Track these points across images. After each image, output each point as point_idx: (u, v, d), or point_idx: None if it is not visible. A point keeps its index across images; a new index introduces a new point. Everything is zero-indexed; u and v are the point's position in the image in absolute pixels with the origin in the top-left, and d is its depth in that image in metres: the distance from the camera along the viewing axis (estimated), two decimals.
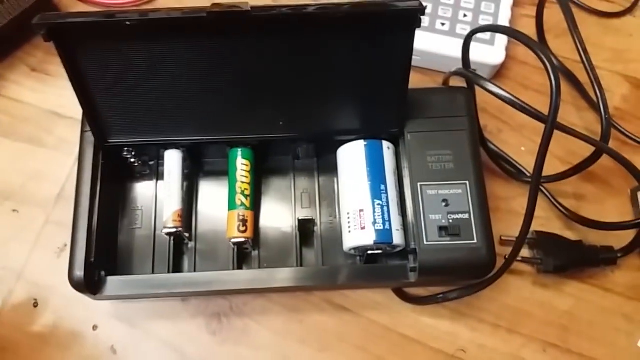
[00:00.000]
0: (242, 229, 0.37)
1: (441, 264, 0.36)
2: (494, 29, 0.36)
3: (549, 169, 0.45)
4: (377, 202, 0.37)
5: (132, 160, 0.40)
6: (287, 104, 0.37)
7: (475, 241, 0.36)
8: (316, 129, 0.39)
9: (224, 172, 0.40)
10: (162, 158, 0.40)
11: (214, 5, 0.30)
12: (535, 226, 0.44)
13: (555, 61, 0.49)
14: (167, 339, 0.40)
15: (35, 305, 0.41)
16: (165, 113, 0.36)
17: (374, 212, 0.37)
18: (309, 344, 0.41)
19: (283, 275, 0.37)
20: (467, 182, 0.37)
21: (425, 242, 0.36)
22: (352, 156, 0.39)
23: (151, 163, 0.42)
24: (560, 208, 0.43)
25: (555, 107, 0.34)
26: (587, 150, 0.43)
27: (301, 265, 0.39)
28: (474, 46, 0.45)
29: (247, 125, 0.38)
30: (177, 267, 0.39)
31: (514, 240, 0.42)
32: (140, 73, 0.33)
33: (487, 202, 0.37)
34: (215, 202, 0.41)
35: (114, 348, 0.40)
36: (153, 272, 0.39)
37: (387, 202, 0.37)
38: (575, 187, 0.45)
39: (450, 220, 0.36)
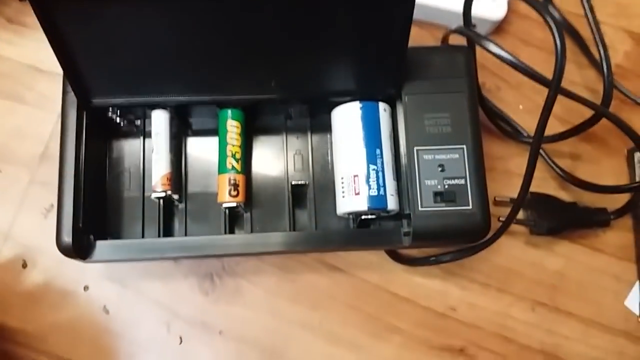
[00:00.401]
0: (234, 193, 0.36)
1: (435, 229, 0.35)
2: None
3: (546, 129, 0.44)
4: (372, 167, 0.36)
5: (118, 120, 0.39)
6: (279, 64, 0.35)
7: (471, 207, 0.35)
8: (310, 90, 0.37)
9: (213, 130, 0.39)
10: (149, 117, 0.39)
11: None
12: (530, 187, 0.44)
13: (558, 16, 0.47)
14: (159, 299, 0.41)
15: (24, 266, 0.40)
16: (151, 72, 0.34)
17: (369, 177, 0.36)
18: (300, 303, 0.41)
19: (275, 240, 0.36)
20: (464, 146, 0.36)
21: (420, 208, 0.35)
22: (346, 119, 0.37)
23: (137, 122, 0.40)
24: (556, 169, 0.43)
25: (559, 72, 0.32)
26: (587, 109, 0.43)
27: (294, 229, 0.38)
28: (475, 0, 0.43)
29: (237, 85, 0.36)
30: (167, 230, 0.39)
31: (508, 202, 0.43)
32: (123, 32, 0.31)
33: (484, 167, 0.37)
34: (205, 161, 0.40)
35: (106, 308, 0.40)
36: (143, 236, 0.38)
37: (382, 166, 0.36)
38: (572, 147, 0.45)
39: (446, 186, 0.36)
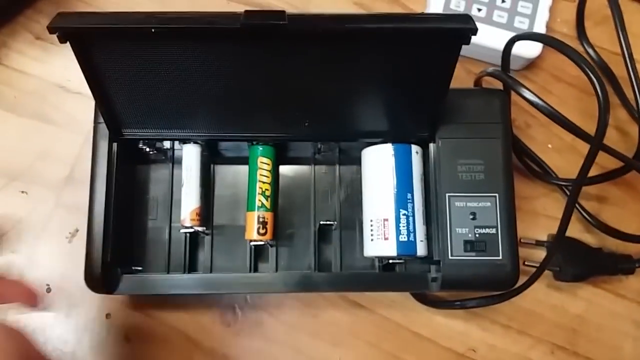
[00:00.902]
0: (262, 231, 0.36)
1: (465, 278, 0.35)
2: (543, 38, 0.33)
3: (575, 169, 0.44)
4: (403, 212, 0.36)
5: (148, 149, 0.38)
6: (314, 107, 0.34)
7: (500, 257, 0.35)
8: (343, 131, 0.37)
9: (244, 158, 0.39)
10: (179, 143, 0.38)
11: (248, 13, 0.27)
12: (555, 228, 0.43)
13: (592, 52, 0.46)
14: (181, 329, 0.41)
15: (49, 290, 0.40)
16: (184, 110, 0.34)
17: (399, 222, 0.36)
18: (321, 338, 0.41)
19: (300, 280, 0.36)
20: (497, 194, 0.36)
21: (450, 257, 0.35)
22: (378, 161, 0.37)
23: (167, 147, 0.39)
24: (583, 213, 0.43)
25: (602, 129, 0.32)
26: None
27: (318, 268, 0.38)
28: (510, 36, 0.42)
29: (269, 123, 0.36)
30: (192, 262, 0.39)
31: (533, 244, 0.42)
32: (160, 73, 0.31)
33: (515, 217, 0.36)
34: (234, 190, 0.40)
35: (128, 336, 0.40)
36: (168, 268, 0.38)
37: (413, 211, 0.36)
38: (599, 188, 0.44)
39: (477, 235, 0.36)
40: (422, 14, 0.29)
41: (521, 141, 0.44)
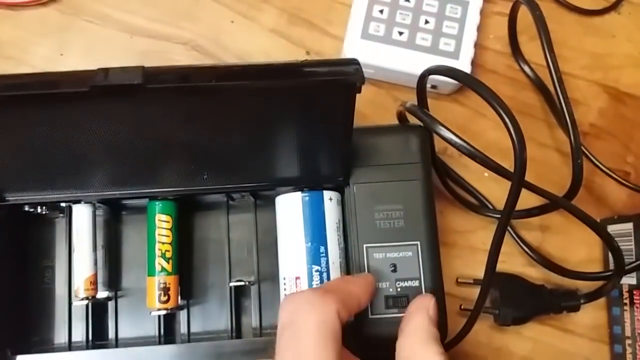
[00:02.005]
0: (164, 298, 0.33)
1: (387, 338, 0.32)
2: (452, 73, 0.30)
3: (518, 204, 0.41)
4: (315, 268, 0.33)
5: (39, 210, 0.35)
6: (209, 160, 0.31)
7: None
8: (247, 181, 0.33)
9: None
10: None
11: (99, 72, 0.24)
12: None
13: (528, 69, 0.43)
14: None
15: None
16: (65, 173, 0.31)
17: (311, 280, 0.32)
18: None
19: (213, 350, 0.33)
20: (419, 242, 0.33)
21: (370, 316, 0.32)
22: (288, 211, 0.34)
23: (62, 205, 0.36)
24: (523, 246, 0.40)
25: (520, 168, 0.28)
26: (560, 178, 0.40)
27: (237, 335, 0.35)
28: (435, 60, 0.40)
29: (164, 179, 0.32)
30: (98, 332, 0.35)
31: (471, 283, 0.40)
32: (16, 138, 0.27)
33: (440, 265, 0.33)
34: (141, 251, 0.36)
35: None
36: (70, 344, 0.34)
37: (327, 267, 0.33)
38: (541, 217, 0.41)
39: (399, 289, 0.33)
40: (305, 62, 0.25)
41: (453, 171, 0.41)
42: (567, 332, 0.40)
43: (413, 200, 0.33)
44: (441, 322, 0.32)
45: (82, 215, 0.33)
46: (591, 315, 0.40)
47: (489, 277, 0.31)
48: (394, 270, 0.33)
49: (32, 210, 0.34)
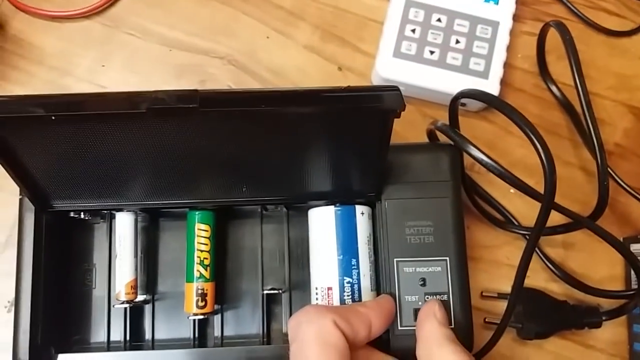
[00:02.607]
0: (201, 304, 0.34)
1: (415, 350, 0.33)
2: (484, 98, 0.31)
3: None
4: (347, 279, 0.34)
5: (82, 215, 0.36)
6: (249, 173, 0.33)
7: (452, 326, 0.33)
8: (282, 194, 0.35)
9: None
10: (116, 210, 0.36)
11: (157, 96, 0.25)
12: None
13: (555, 89, 0.44)
14: None
15: None
16: (112, 183, 0.32)
17: (343, 291, 0.34)
18: None
19: (246, 355, 0.34)
20: (448, 258, 0.34)
21: (399, 327, 0.33)
22: (321, 224, 0.35)
23: (104, 211, 0.38)
24: (546, 262, 0.41)
25: (550, 190, 0.30)
26: (584, 196, 0.41)
27: (268, 342, 0.36)
28: (465, 79, 0.41)
29: (206, 190, 0.34)
30: (136, 333, 0.37)
31: (495, 297, 0.41)
32: (73, 151, 0.29)
33: (468, 281, 0.35)
34: (177, 257, 0.38)
35: None
36: (108, 344, 0.36)
37: (358, 278, 0.34)
38: (565, 235, 0.42)
39: None
40: (348, 88, 0.26)
41: (480, 188, 0.42)
42: (587, 347, 0.41)
43: (443, 217, 0.34)
44: (468, 335, 0.34)
45: (124, 223, 0.35)
46: (611, 331, 0.41)
47: (516, 293, 0.32)
48: (423, 285, 0.34)
49: (76, 216, 0.36)
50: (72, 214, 0.35)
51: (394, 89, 0.26)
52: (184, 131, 0.28)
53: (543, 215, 0.31)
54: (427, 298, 0.34)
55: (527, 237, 0.41)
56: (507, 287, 0.41)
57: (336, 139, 0.30)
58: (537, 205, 0.42)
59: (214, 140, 0.29)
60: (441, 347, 0.30)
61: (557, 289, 0.41)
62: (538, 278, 0.42)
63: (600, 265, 0.42)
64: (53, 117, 0.25)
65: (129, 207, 0.35)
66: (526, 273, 0.32)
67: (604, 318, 0.39)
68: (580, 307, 0.40)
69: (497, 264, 0.42)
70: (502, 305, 0.41)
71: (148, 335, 0.37)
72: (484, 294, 0.41)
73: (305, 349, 0.28)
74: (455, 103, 0.34)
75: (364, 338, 0.30)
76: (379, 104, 0.26)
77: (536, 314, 0.39)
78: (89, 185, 0.32)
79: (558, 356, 0.41)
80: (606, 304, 0.41)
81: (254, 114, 0.26)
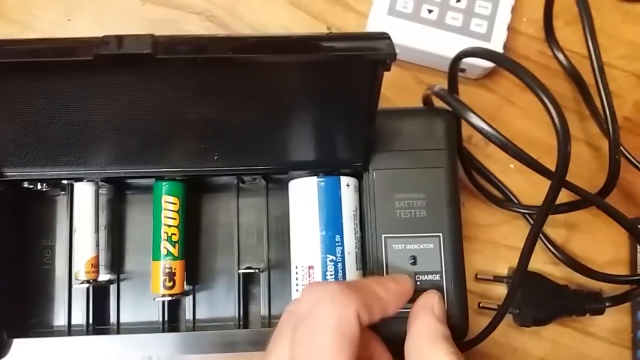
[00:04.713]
0: (169, 284, 0.31)
1: (402, 336, 0.30)
2: (492, 56, 0.28)
3: (542, 198, 0.39)
4: (330, 257, 0.31)
5: (39, 186, 0.33)
6: (220, 139, 0.29)
7: (445, 308, 0.30)
8: (260, 163, 0.31)
9: None
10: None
11: (104, 40, 0.21)
12: (517, 260, 0.38)
13: (562, 56, 0.40)
14: None
15: None
16: (67, 148, 0.29)
17: (326, 270, 0.31)
18: None
19: (219, 340, 0.31)
20: (441, 234, 0.31)
21: None
22: (302, 197, 0.32)
23: (64, 182, 0.34)
24: (547, 244, 0.38)
25: (563, 165, 0.26)
26: (588, 173, 0.37)
27: (245, 325, 0.33)
28: (465, 41, 0.37)
29: (172, 158, 0.30)
30: (98, 317, 0.34)
31: (491, 279, 0.38)
32: (18, 111, 0.25)
33: (463, 259, 0.31)
34: (144, 233, 0.34)
35: None
36: (69, 327, 0.33)
37: (343, 256, 0.31)
38: (568, 214, 0.39)
39: (418, 283, 0.31)
40: (330, 35, 0.23)
41: (479, 162, 0.39)
42: (588, 334, 0.38)
43: (436, 189, 0.31)
44: (462, 320, 0.31)
45: (84, 194, 0.32)
46: (613, 318, 0.38)
47: (519, 278, 0.29)
48: (414, 263, 0.31)
49: (31, 187, 0.32)
50: (26, 185, 0.32)
51: (383, 36, 0.22)
52: (142, 85, 0.24)
53: (553, 192, 0.28)
54: (418, 278, 0.31)
55: (528, 216, 0.38)
56: (503, 270, 0.38)
57: (318, 98, 0.27)
58: (539, 182, 0.38)
59: (178, 98, 0.25)
60: (434, 345, 0.26)
61: (557, 272, 0.38)
62: (537, 260, 0.39)
63: (604, 248, 0.39)
64: None
65: (89, 177, 0.31)
66: (530, 256, 0.29)
67: (607, 304, 0.36)
68: (581, 292, 0.37)
69: (494, 244, 0.39)
70: (498, 288, 0.38)
71: (113, 318, 0.34)
72: (478, 276, 0.37)
73: (319, 334, 0.24)
74: (456, 64, 0.30)
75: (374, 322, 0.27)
76: (366, 53, 0.22)
77: (535, 299, 0.36)
78: (42, 151, 0.29)
79: (556, 344, 0.38)
80: (609, 289, 0.38)
81: (221, 63, 0.23)
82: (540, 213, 0.27)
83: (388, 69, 0.23)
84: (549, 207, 0.27)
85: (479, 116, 0.29)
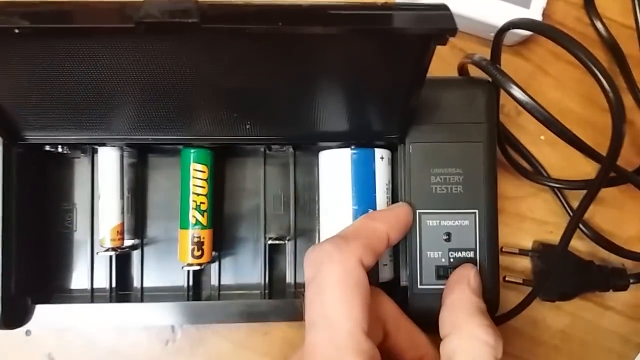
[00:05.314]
0: (197, 253, 0.31)
1: (435, 311, 0.30)
2: (540, 28, 0.26)
3: (571, 171, 0.38)
4: None
5: (60, 150, 0.32)
6: (255, 107, 0.28)
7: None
8: (292, 133, 0.30)
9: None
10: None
11: (147, 7, 0.20)
12: (542, 233, 0.38)
13: (600, 25, 0.39)
14: (112, 348, 0.36)
15: None
16: (93, 113, 0.27)
17: None
18: (273, 358, 0.36)
19: (245, 310, 0.31)
20: (477, 211, 0.30)
21: (419, 286, 0.30)
22: (334, 169, 0.31)
23: (85, 145, 0.33)
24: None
25: (615, 149, 0.25)
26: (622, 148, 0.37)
27: (270, 294, 0.33)
28: (503, 6, 0.35)
29: (204, 126, 0.29)
30: (122, 283, 0.33)
31: (516, 253, 0.37)
32: (47, 75, 0.24)
33: (497, 237, 0.31)
34: (169, 198, 0.34)
35: (51, 356, 0.35)
36: (92, 293, 0.32)
37: None
38: None
39: (452, 259, 0.30)
40: (386, 5, 0.21)
41: (510, 133, 0.38)
42: (606, 308, 0.38)
43: (474, 165, 0.30)
44: (494, 296, 0.31)
45: (109, 160, 0.30)
46: (633, 293, 0.38)
47: (558, 264, 0.29)
48: (448, 240, 0.30)
49: (52, 150, 0.31)
50: (47, 148, 0.31)
51: (443, 8, 0.21)
52: (180, 52, 0.23)
53: (600, 180, 0.27)
54: (452, 254, 0.30)
55: (557, 190, 0.37)
56: (528, 243, 0.38)
57: (362, 69, 0.25)
58: (569, 155, 0.38)
59: (216, 66, 0.24)
60: (470, 317, 0.26)
61: (581, 246, 0.38)
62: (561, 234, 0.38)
63: (629, 223, 0.39)
64: (17, 31, 0.20)
65: (113, 142, 0.30)
66: (570, 238, 0.28)
67: (631, 281, 0.36)
68: (606, 268, 0.37)
69: (520, 217, 0.38)
70: (523, 261, 0.38)
71: (137, 283, 0.34)
72: (504, 249, 0.37)
73: (327, 293, 0.24)
74: (501, 36, 0.29)
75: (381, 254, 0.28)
76: (426, 27, 0.20)
77: (560, 275, 0.36)
78: (65, 115, 0.27)
79: (575, 317, 0.38)
80: (631, 264, 0.38)
81: (268, 34, 0.21)
82: (584, 201, 0.26)
83: (444, 44, 0.22)
84: (594, 193, 0.26)
85: (523, 90, 0.28)
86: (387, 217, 0.28)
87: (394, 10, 0.21)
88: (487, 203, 0.30)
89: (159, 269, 0.34)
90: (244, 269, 0.34)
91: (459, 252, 0.30)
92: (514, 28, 0.28)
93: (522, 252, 0.37)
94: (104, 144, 0.30)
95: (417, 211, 0.30)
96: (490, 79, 0.31)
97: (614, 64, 0.39)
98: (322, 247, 0.26)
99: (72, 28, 0.20)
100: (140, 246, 0.33)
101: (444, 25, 0.21)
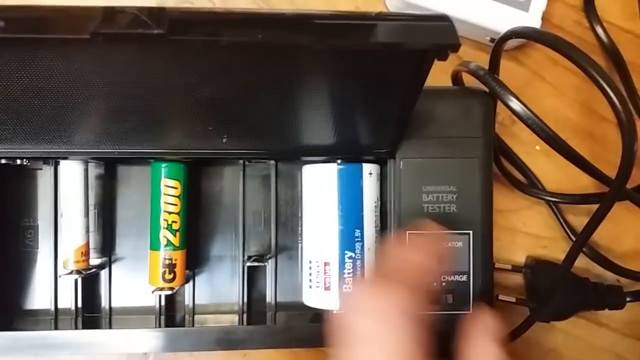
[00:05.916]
0: (169, 276, 0.28)
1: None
2: (542, 38, 0.24)
3: (568, 184, 0.36)
4: (349, 254, 0.28)
5: (19, 162, 0.29)
6: (232, 121, 0.25)
7: (471, 312, 0.28)
8: (274, 147, 0.28)
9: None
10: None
11: (107, 14, 0.17)
12: (536, 248, 0.37)
13: (600, 30, 0.37)
14: None
15: None
16: (52, 125, 0.24)
17: (343, 267, 0.28)
18: None
19: (220, 337, 0.29)
20: (471, 232, 0.28)
21: None
22: (319, 185, 0.28)
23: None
24: (570, 234, 0.36)
25: (624, 173, 0.24)
26: (616, 158, 0.35)
27: (248, 315, 0.30)
28: (502, 9, 0.34)
29: (175, 139, 0.26)
30: (88, 304, 0.31)
31: (509, 270, 0.36)
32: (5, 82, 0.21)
33: (493, 261, 0.29)
34: (138, 213, 0.31)
35: None
36: (56, 317, 0.30)
37: (362, 253, 0.28)
38: None
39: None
40: (380, 15, 0.19)
41: (504, 143, 0.36)
42: (601, 325, 0.37)
43: (469, 182, 0.28)
44: None
45: (71, 175, 0.28)
46: (628, 310, 0.37)
47: (560, 282, 0.27)
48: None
49: (9, 162, 0.28)
50: (3, 161, 0.28)
51: (444, 19, 0.19)
52: (146, 63, 0.20)
53: (606, 206, 0.25)
54: (443, 278, 0.28)
55: (552, 204, 0.36)
56: (521, 258, 0.36)
57: (351, 82, 0.23)
58: (564, 167, 0.36)
59: (187, 77, 0.21)
60: None
61: (576, 262, 0.37)
62: (556, 249, 0.37)
63: (625, 237, 0.37)
64: None
65: (76, 156, 0.27)
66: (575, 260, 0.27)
67: (627, 299, 0.35)
68: (602, 286, 0.35)
69: (512, 230, 0.37)
70: (515, 278, 0.36)
71: (105, 303, 0.31)
72: (496, 265, 0.35)
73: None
74: (501, 45, 0.27)
75: None
76: (425, 42, 0.18)
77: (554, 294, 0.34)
78: (21, 127, 0.25)
79: (568, 335, 0.37)
80: (627, 281, 0.36)
81: (247, 46, 0.19)
82: (588, 227, 0.25)
83: (445, 59, 0.20)
84: (600, 219, 0.24)
85: (524, 103, 0.26)
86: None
87: (389, 20, 0.19)
88: (482, 223, 0.28)
89: (129, 289, 0.31)
90: (220, 289, 0.32)
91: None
92: (516, 37, 0.26)
93: (515, 269, 0.35)
94: (65, 158, 0.28)
95: (407, 232, 0.28)
96: (487, 90, 0.29)
97: (613, 70, 0.37)
98: (377, 303, 0.21)
99: (19, 38, 0.17)
100: (108, 265, 0.31)
101: (444, 40, 0.18)
